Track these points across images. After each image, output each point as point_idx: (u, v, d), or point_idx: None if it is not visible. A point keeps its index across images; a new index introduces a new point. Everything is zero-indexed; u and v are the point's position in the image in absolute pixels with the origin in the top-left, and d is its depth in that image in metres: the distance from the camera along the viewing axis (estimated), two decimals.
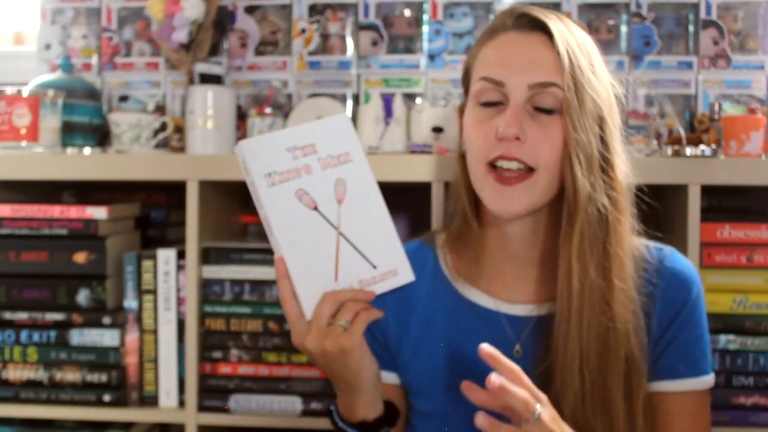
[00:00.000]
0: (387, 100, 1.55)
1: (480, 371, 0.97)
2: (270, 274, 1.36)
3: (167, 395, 1.39)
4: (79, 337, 1.38)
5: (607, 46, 1.68)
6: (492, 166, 0.92)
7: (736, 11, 1.65)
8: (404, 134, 1.54)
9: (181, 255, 1.39)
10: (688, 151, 1.28)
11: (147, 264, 1.39)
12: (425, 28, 1.71)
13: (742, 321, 1.28)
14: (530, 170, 0.91)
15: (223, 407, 1.37)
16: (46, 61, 1.79)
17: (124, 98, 1.77)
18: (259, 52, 1.75)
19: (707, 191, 1.28)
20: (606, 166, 0.93)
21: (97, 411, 1.37)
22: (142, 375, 1.39)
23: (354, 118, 1.67)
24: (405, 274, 0.87)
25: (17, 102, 1.43)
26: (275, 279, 0.85)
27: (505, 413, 0.80)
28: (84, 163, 1.38)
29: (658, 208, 1.44)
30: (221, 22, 1.73)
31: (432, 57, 1.70)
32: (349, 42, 1.72)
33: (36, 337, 1.38)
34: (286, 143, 0.83)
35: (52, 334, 1.38)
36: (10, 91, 1.44)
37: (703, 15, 1.65)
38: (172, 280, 1.39)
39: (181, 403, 1.39)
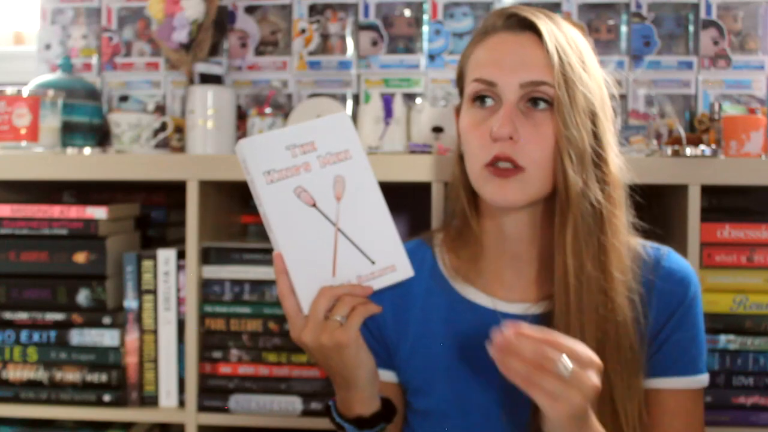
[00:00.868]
0: (387, 100, 1.55)
1: (478, 370, 0.98)
2: (270, 274, 1.36)
3: (167, 395, 1.39)
4: (79, 337, 1.38)
5: (607, 46, 1.68)
6: (490, 166, 0.93)
7: (736, 11, 1.65)
8: (404, 134, 1.54)
9: (181, 255, 1.39)
10: (688, 151, 1.28)
11: (147, 264, 1.39)
12: (425, 28, 1.71)
13: (742, 321, 1.28)
14: (519, 168, 0.92)
15: (223, 407, 1.37)
16: (46, 61, 1.79)
17: (124, 98, 1.77)
18: (259, 52, 1.75)
19: (707, 191, 1.28)
20: (599, 161, 0.94)
21: (97, 411, 1.37)
22: (142, 375, 1.39)
23: (354, 118, 1.67)
24: (404, 270, 0.88)
25: (17, 102, 1.43)
26: (274, 276, 0.85)
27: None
28: (84, 163, 1.38)
29: (653, 207, 1.45)
30: (221, 22, 1.73)
31: (432, 57, 1.70)
32: (349, 42, 1.73)
33: (36, 337, 1.38)
34: (285, 141, 0.84)
35: (52, 334, 1.38)
36: (10, 91, 1.44)
37: (703, 15, 1.65)
38: (172, 280, 1.39)
39: (181, 403, 1.39)
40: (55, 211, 1.37)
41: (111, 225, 1.40)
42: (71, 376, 1.38)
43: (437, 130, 1.50)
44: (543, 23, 0.94)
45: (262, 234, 1.56)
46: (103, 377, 1.38)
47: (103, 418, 1.38)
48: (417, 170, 1.31)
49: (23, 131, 1.43)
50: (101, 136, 1.67)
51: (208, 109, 1.53)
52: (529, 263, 1.00)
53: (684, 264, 1.01)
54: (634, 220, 1.00)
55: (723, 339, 1.28)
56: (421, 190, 1.35)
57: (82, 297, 1.37)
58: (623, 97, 1.66)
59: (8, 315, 1.38)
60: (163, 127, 1.61)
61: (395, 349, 1.04)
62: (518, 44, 0.94)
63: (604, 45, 1.68)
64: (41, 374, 1.38)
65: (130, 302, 1.39)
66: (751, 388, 1.28)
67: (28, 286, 1.38)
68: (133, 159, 1.39)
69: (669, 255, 1.01)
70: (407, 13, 1.72)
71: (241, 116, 1.67)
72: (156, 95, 1.77)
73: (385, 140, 1.51)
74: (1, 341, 1.38)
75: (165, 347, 1.39)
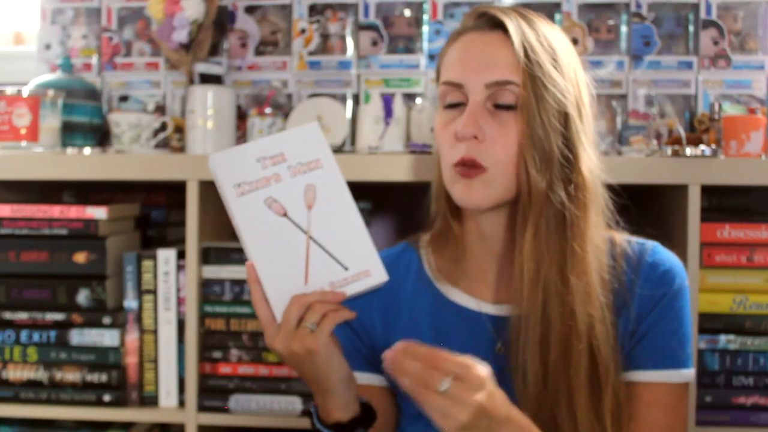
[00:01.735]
0: (387, 100, 1.55)
1: None
2: None
3: (167, 395, 1.39)
4: (79, 337, 1.38)
5: (607, 46, 1.68)
6: (458, 166, 0.94)
7: (736, 11, 1.65)
8: (404, 134, 1.54)
9: (181, 255, 1.39)
10: (688, 151, 1.28)
11: (147, 264, 1.39)
12: (425, 28, 1.71)
13: (742, 321, 1.28)
14: (481, 167, 0.93)
15: (223, 407, 1.37)
16: (46, 61, 1.79)
17: (124, 98, 1.77)
18: (259, 52, 1.75)
19: (707, 191, 1.28)
20: (567, 162, 0.93)
21: (97, 411, 1.37)
22: (142, 375, 1.39)
23: (354, 118, 1.67)
24: (378, 275, 0.88)
25: (17, 102, 1.43)
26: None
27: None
28: (84, 163, 1.38)
29: (653, 207, 1.45)
30: (221, 22, 1.73)
31: (432, 57, 1.70)
32: (349, 42, 1.72)
33: (36, 337, 1.38)
34: (255, 154, 0.86)
35: (52, 334, 1.38)
36: (10, 91, 1.44)
37: (703, 15, 1.65)
38: (172, 280, 1.39)
39: (181, 403, 1.39)
40: (55, 211, 1.37)
41: (111, 225, 1.40)
42: (71, 376, 1.38)
43: None
44: (511, 21, 0.93)
45: None
46: (103, 377, 1.38)
47: (103, 418, 1.38)
48: (417, 170, 1.31)
49: (23, 131, 1.43)
50: (101, 136, 1.67)
51: (208, 109, 1.53)
52: (509, 262, 0.99)
53: (668, 257, 1.00)
54: (608, 218, 0.99)
55: (723, 339, 1.28)
56: (421, 190, 1.35)
57: (82, 297, 1.37)
58: (623, 97, 1.66)
59: (8, 315, 1.38)
60: (163, 127, 1.61)
61: (383, 352, 1.04)
62: (485, 43, 0.94)
63: (604, 45, 1.68)
64: (41, 374, 1.38)
65: (130, 302, 1.39)
66: (751, 388, 1.28)
67: (28, 286, 1.38)
68: (133, 159, 1.39)
69: (653, 249, 1.00)
70: (407, 13, 1.72)
71: (241, 116, 1.67)
72: (156, 95, 1.77)
73: (385, 140, 1.51)
74: (1, 341, 1.38)
75: (165, 347, 1.39)
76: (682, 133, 1.43)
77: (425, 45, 1.70)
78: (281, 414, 1.37)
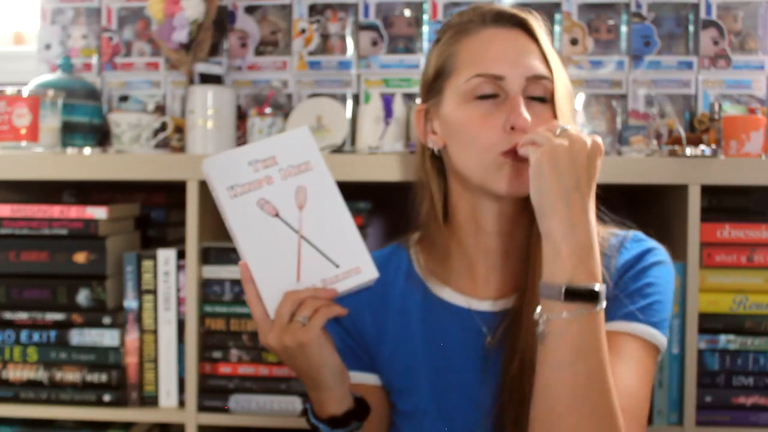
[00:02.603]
0: (387, 100, 1.55)
1: (457, 369, 0.98)
2: None
3: (167, 395, 1.39)
4: (79, 337, 1.38)
5: (607, 46, 1.68)
6: (509, 153, 0.93)
7: (736, 11, 1.65)
8: (404, 134, 1.54)
9: (181, 255, 1.39)
10: (688, 151, 1.28)
11: (147, 264, 1.39)
12: (425, 28, 1.71)
13: (742, 321, 1.28)
14: None
15: (223, 407, 1.37)
16: (46, 61, 1.79)
17: (124, 98, 1.77)
18: (259, 52, 1.75)
19: (707, 191, 1.28)
20: None
21: (97, 411, 1.37)
22: (142, 375, 1.39)
23: (354, 118, 1.67)
24: (368, 271, 0.91)
25: (17, 102, 1.43)
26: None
27: None
28: (84, 163, 1.38)
29: (653, 207, 1.45)
30: (221, 22, 1.73)
31: None
32: (349, 42, 1.73)
33: (36, 337, 1.38)
34: (247, 157, 0.89)
35: (52, 334, 1.38)
36: (10, 91, 1.44)
37: (703, 15, 1.65)
38: (172, 280, 1.39)
39: (181, 403, 1.39)
40: (55, 211, 1.37)
41: (111, 225, 1.40)
42: (71, 376, 1.38)
43: None
44: (531, 19, 0.97)
45: None
46: (103, 377, 1.38)
47: (103, 418, 1.38)
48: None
49: (23, 131, 1.43)
50: (101, 136, 1.67)
51: (208, 109, 1.53)
52: (502, 257, 1.01)
53: (647, 241, 1.01)
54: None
55: (723, 339, 1.28)
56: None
57: (82, 297, 1.37)
58: (623, 97, 1.66)
59: (8, 315, 1.38)
60: (163, 127, 1.61)
61: (376, 352, 1.05)
62: (514, 39, 0.97)
63: (604, 45, 1.68)
64: (41, 374, 1.38)
65: (130, 302, 1.39)
66: (751, 388, 1.28)
67: (28, 286, 1.38)
68: (133, 159, 1.39)
69: (632, 236, 1.01)
70: (407, 13, 1.72)
71: (241, 116, 1.67)
72: (156, 95, 1.77)
73: (385, 140, 1.51)
74: (1, 341, 1.38)
75: (165, 347, 1.39)
76: (682, 133, 1.43)
77: (425, 45, 1.70)
78: (281, 414, 1.37)
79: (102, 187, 1.67)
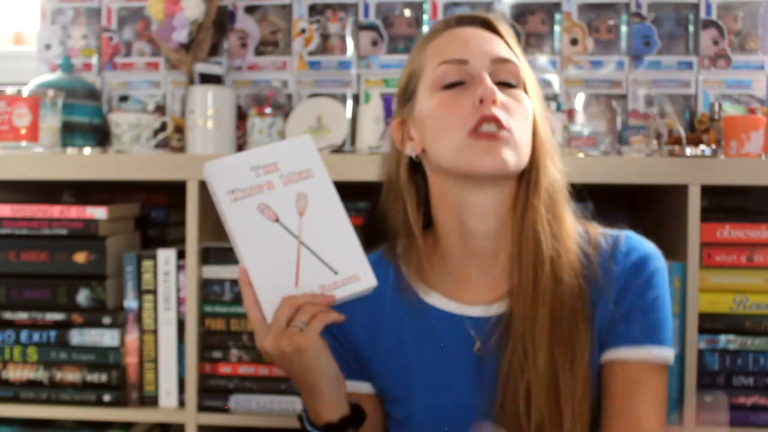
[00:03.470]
0: (387, 100, 1.55)
1: (450, 376, 0.98)
2: None
3: (167, 395, 1.39)
4: (79, 337, 1.38)
5: (607, 46, 1.68)
6: (475, 131, 0.92)
7: (736, 11, 1.65)
8: None
9: (181, 255, 1.39)
10: (688, 151, 1.28)
11: (147, 264, 1.39)
12: (425, 28, 1.71)
13: (742, 321, 1.28)
14: (511, 130, 0.93)
15: (223, 407, 1.37)
16: (46, 61, 1.79)
17: (124, 98, 1.78)
18: (259, 52, 1.75)
19: (707, 191, 1.28)
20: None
21: (97, 411, 1.37)
22: (142, 375, 1.39)
23: (354, 118, 1.67)
24: (367, 279, 0.90)
25: (17, 102, 1.43)
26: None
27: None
28: (84, 163, 1.38)
29: (653, 207, 1.45)
30: (221, 22, 1.73)
31: None
32: (349, 42, 1.73)
33: (36, 337, 1.38)
34: (249, 163, 0.90)
35: (52, 334, 1.38)
36: (10, 91, 1.44)
37: (703, 15, 1.65)
38: (172, 280, 1.39)
39: (181, 403, 1.39)
40: (55, 211, 1.37)
41: (111, 225, 1.40)
42: (71, 376, 1.38)
43: None
44: (494, 18, 1.00)
45: None
46: (103, 377, 1.38)
47: (103, 418, 1.38)
48: None
49: (23, 131, 1.43)
50: (101, 136, 1.67)
51: (208, 109, 1.53)
52: (493, 258, 0.99)
53: (642, 244, 1.00)
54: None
55: (723, 339, 1.28)
56: None
57: (82, 297, 1.37)
58: (623, 97, 1.66)
59: (8, 315, 1.38)
60: (163, 127, 1.61)
61: (369, 361, 1.04)
62: (477, 32, 0.98)
63: (604, 45, 1.68)
64: (41, 374, 1.38)
65: (130, 302, 1.39)
66: (751, 388, 1.28)
67: (28, 286, 1.38)
68: (133, 159, 1.39)
69: (626, 239, 1.00)
70: (407, 13, 1.72)
71: (241, 116, 1.67)
72: (156, 95, 1.77)
73: (385, 140, 1.51)
74: (1, 341, 1.38)
75: (165, 347, 1.39)
76: (682, 133, 1.43)
77: None
78: (281, 414, 1.37)
79: (102, 187, 1.67)
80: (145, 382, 1.39)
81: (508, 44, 0.98)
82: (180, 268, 1.39)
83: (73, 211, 1.37)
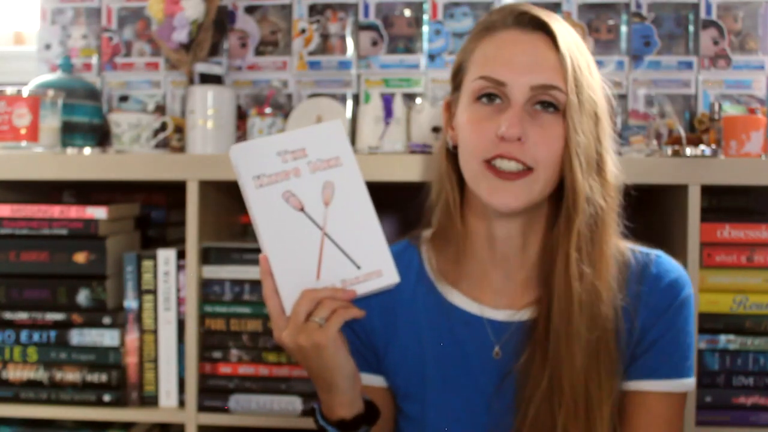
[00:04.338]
0: (387, 100, 1.55)
1: (465, 376, 0.97)
2: None
3: (167, 395, 1.39)
4: (79, 337, 1.38)
5: (607, 46, 1.68)
6: (489, 163, 0.92)
7: (736, 11, 1.65)
8: (404, 134, 1.54)
9: (181, 255, 1.39)
10: (688, 151, 1.28)
11: (147, 264, 1.39)
12: (425, 28, 1.71)
13: (742, 321, 1.28)
14: (529, 169, 0.91)
15: (223, 407, 1.37)
16: (46, 61, 1.79)
17: (124, 98, 1.77)
18: (259, 52, 1.75)
19: (707, 191, 1.28)
20: (599, 166, 0.93)
21: (97, 411, 1.37)
22: (142, 375, 1.39)
23: (354, 118, 1.67)
24: (389, 276, 0.88)
25: (17, 102, 1.43)
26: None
27: None
28: (84, 163, 1.38)
29: (653, 207, 1.45)
30: (221, 22, 1.73)
31: (432, 57, 1.70)
32: (349, 42, 1.72)
33: (36, 337, 1.38)
34: (277, 147, 0.86)
35: (52, 334, 1.38)
36: (10, 91, 1.44)
37: (703, 15, 1.65)
38: (172, 280, 1.39)
39: (181, 403, 1.39)
40: (55, 211, 1.37)
41: (111, 225, 1.40)
42: (71, 376, 1.38)
43: (437, 130, 1.50)
44: (555, 24, 0.93)
45: None
46: (103, 377, 1.38)
47: (103, 418, 1.38)
48: (417, 170, 1.31)
49: (23, 131, 1.43)
50: (101, 136, 1.67)
51: (208, 109, 1.53)
52: (518, 267, 0.99)
53: (673, 268, 0.99)
54: (626, 224, 0.99)
55: (723, 339, 1.28)
56: (422, 190, 1.35)
57: (82, 297, 1.37)
58: (623, 97, 1.66)
59: (8, 315, 1.38)
60: (163, 127, 1.61)
61: (384, 354, 1.03)
62: (530, 44, 0.92)
63: (604, 45, 1.68)
64: (41, 374, 1.38)
65: (130, 302, 1.39)
66: (751, 388, 1.28)
67: (28, 286, 1.38)
68: (133, 159, 1.39)
69: (657, 260, 0.99)
70: (407, 13, 1.72)
71: (241, 116, 1.67)
72: (156, 95, 1.77)
73: (385, 140, 1.51)
74: (1, 341, 1.38)
75: (165, 347, 1.39)
76: (682, 133, 1.43)
77: (425, 45, 1.70)
78: (281, 414, 1.37)
79: (102, 187, 1.67)
80: (145, 382, 1.39)
81: (562, 60, 0.91)
82: (180, 268, 1.39)
83: (73, 211, 1.37)
